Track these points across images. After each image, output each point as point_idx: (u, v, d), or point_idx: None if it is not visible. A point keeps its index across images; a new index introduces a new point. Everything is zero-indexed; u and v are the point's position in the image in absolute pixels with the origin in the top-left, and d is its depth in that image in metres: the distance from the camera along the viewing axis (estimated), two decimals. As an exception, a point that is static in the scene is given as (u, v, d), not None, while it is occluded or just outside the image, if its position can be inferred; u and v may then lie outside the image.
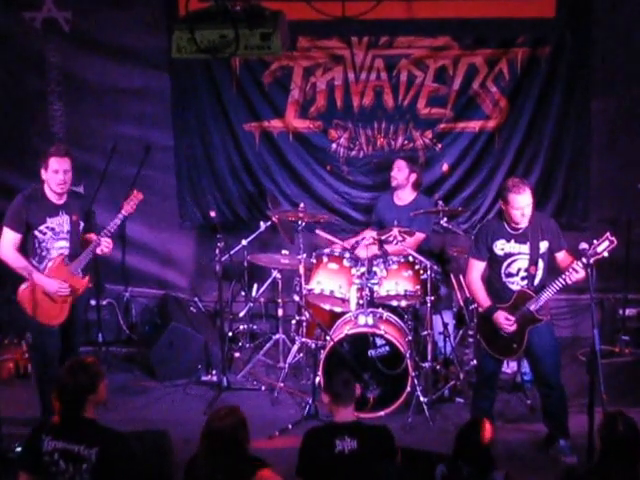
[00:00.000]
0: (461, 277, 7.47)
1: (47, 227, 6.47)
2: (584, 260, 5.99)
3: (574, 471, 5.08)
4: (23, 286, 6.51)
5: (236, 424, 4.51)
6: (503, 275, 6.37)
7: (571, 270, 6.08)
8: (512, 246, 6.32)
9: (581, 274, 6.06)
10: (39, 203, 6.48)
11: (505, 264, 6.35)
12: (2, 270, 6.72)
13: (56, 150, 6.48)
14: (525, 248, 6.30)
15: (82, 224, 6.62)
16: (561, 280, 6.15)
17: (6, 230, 6.47)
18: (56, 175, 6.42)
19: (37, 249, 6.49)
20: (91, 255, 6.57)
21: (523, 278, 6.33)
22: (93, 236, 6.63)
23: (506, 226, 6.34)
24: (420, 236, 7.78)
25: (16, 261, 6.46)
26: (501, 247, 6.35)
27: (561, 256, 6.36)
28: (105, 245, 6.53)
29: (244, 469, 4.49)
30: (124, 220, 6.80)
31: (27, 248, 6.50)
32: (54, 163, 6.41)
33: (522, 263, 6.32)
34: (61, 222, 6.51)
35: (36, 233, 6.46)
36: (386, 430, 5.14)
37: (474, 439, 4.79)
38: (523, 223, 6.26)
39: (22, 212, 6.45)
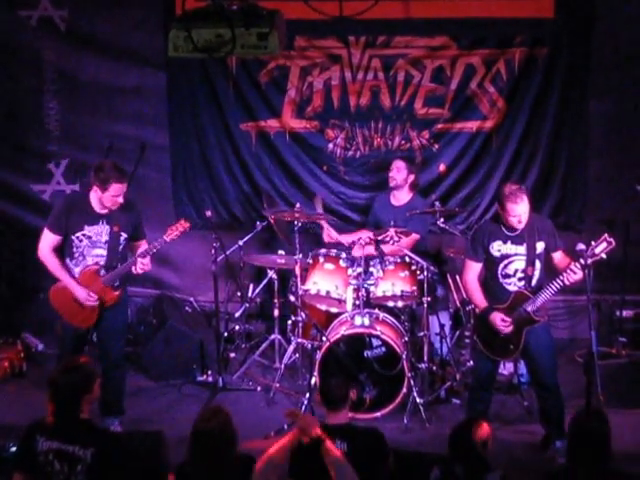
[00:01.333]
0: (458, 278, 7.45)
1: (84, 235, 6.45)
2: (582, 261, 5.98)
3: (551, 471, 5.04)
4: (56, 285, 6.54)
5: (223, 424, 4.50)
6: (500, 276, 6.36)
7: (569, 271, 6.07)
8: (509, 247, 6.31)
9: (579, 275, 6.05)
10: (81, 210, 6.46)
11: (502, 265, 6.34)
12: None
13: (119, 175, 6.37)
14: (522, 249, 6.29)
15: (124, 235, 6.54)
16: (559, 281, 6.13)
17: (46, 231, 6.51)
18: (115, 198, 6.39)
19: (74, 252, 6.50)
20: (126, 270, 6.51)
21: (520, 279, 6.31)
22: (143, 243, 6.63)
23: (502, 227, 6.32)
24: (414, 237, 7.76)
25: (51, 263, 6.48)
26: (497, 248, 6.33)
27: (558, 256, 6.35)
28: (140, 266, 6.48)
29: (236, 468, 4.48)
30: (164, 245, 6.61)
31: (65, 249, 6.50)
32: (116, 189, 6.35)
33: (519, 264, 6.30)
34: (100, 231, 6.47)
35: (73, 238, 6.46)
36: (377, 434, 5.04)
37: (465, 437, 4.73)
38: (520, 227, 6.25)
39: (62, 216, 6.46)
